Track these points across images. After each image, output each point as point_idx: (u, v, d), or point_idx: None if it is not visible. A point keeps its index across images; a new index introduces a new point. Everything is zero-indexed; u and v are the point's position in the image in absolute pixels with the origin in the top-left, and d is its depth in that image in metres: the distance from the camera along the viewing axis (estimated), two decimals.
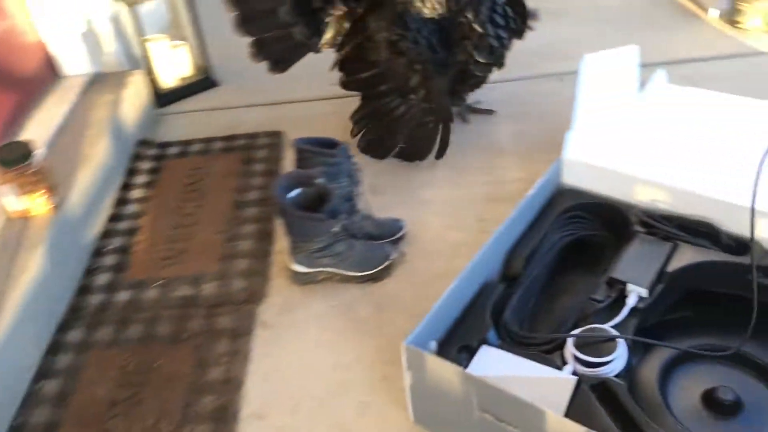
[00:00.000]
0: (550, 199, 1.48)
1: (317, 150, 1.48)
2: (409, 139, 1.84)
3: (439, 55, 1.74)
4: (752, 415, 1.11)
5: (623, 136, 1.56)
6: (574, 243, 1.42)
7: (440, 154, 1.85)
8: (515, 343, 1.20)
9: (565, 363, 1.13)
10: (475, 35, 1.71)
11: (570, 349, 1.14)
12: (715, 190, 1.34)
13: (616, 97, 1.65)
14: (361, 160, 1.56)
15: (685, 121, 1.65)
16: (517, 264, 1.34)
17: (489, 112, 2.05)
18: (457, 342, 1.19)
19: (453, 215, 1.69)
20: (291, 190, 1.41)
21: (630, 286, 1.23)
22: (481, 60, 1.75)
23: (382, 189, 1.79)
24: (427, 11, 1.68)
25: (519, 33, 1.79)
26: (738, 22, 2.25)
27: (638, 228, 1.36)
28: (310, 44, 1.84)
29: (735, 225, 1.31)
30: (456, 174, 1.83)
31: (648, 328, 1.23)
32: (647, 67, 1.71)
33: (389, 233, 1.58)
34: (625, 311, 1.20)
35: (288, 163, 1.91)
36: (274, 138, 2.04)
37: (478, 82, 1.88)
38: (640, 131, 1.60)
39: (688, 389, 1.15)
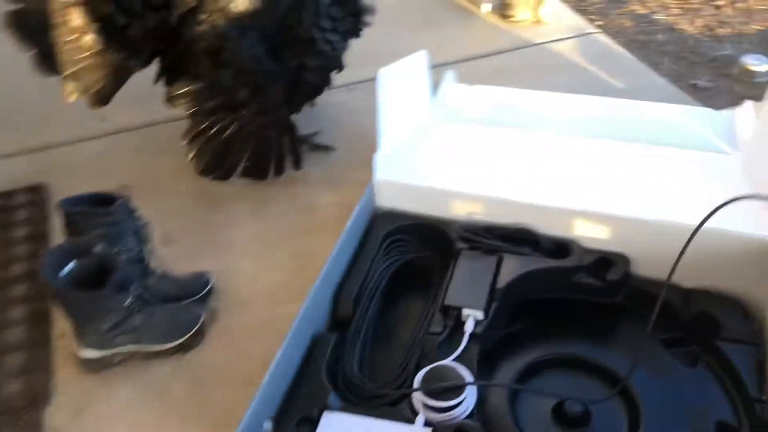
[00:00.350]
0: (369, 226, 1.38)
1: (90, 210, 1.23)
2: (253, 156, 1.68)
3: (267, 65, 1.58)
4: (602, 419, 1.09)
5: (431, 149, 1.50)
6: (401, 268, 1.33)
7: (297, 166, 1.72)
8: (360, 400, 1.08)
9: (415, 413, 1.03)
10: (303, 41, 1.57)
11: (418, 396, 1.04)
12: (528, 194, 1.33)
13: (415, 109, 1.59)
14: (145, 207, 1.33)
15: (487, 124, 1.64)
16: (347, 306, 1.22)
17: (327, 148, 1.86)
18: (296, 413, 1.04)
19: (264, 255, 1.52)
20: (64, 265, 1.16)
21: (465, 311, 1.16)
22: (313, 66, 1.61)
23: (177, 237, 1.57)
24: (242, 6, 1.50)
25: (353, 32, 1.67)
26: (510, 16, 2.32)
27: (461, 244, 1.30)
28: (130, 66, 1.60)
29: (552, 227, 1.30)
30: (259, 206, 1.66)
31: (489, 350, 1.18)
32: (433, 68, 1.67)
33: (194, 290, 1.37)
34: (465, 340, 1.13)
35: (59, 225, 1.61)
36: (37, 194, 1.71)
37: (316, 89, 1.74)
38: (446, 141, 1.55)
39: (538, 408, 1.11)
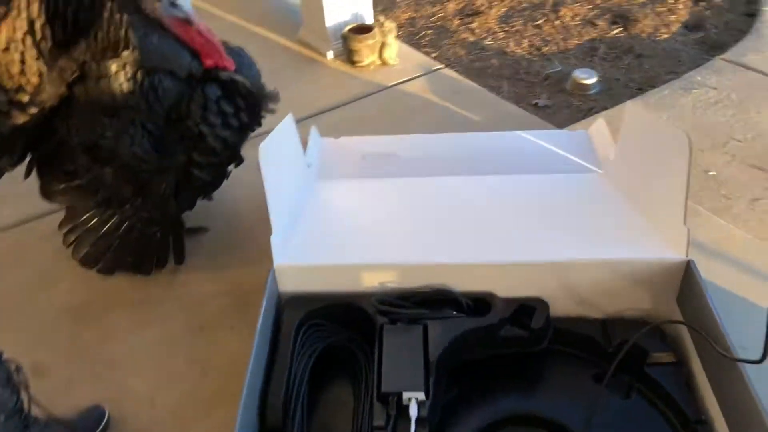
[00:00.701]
0: (277, 317, 1.27)
1: None
2: (135, 252, 1.54)
3: (152, 161, 1.42)
4: None
5: (323, 219, 1.42)
6: (322, 356, 1.23)
7: (179, 261, 1.58)
8: None
9: None
10: (191, 136, 1.42)
11: None
12: (437, 253, 1.29)
13: (296, 177, 1.50)
14: (2, 336, 1.12)
15: (367, 177, 1.60)
16: (276, 415, 1.10)
17: (202, 230, 1.70)
18: None
19: (157, 367, 1.35)
20: None
21: (406, 395, 1.09)
22: (203, 162, 1.46)
23: (49, 366, 1.36)
24: (119, 100, 1.34)
25: (252, 125, 1.51)
26: (357, 61, 2.30)
27: (380, 319, 1.23)
28: (0, 165, 1.43)
29: (467, 282, 1.27)
30: (138, 310, 1.49)
31: (435, 426, 1.12)
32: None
33: (89, 428, 1.19)
34: (413, 428, 1.06)
35: None
36: None
37: (211, 184, 1.58)
38: (335, 206, 1.48)
39: None
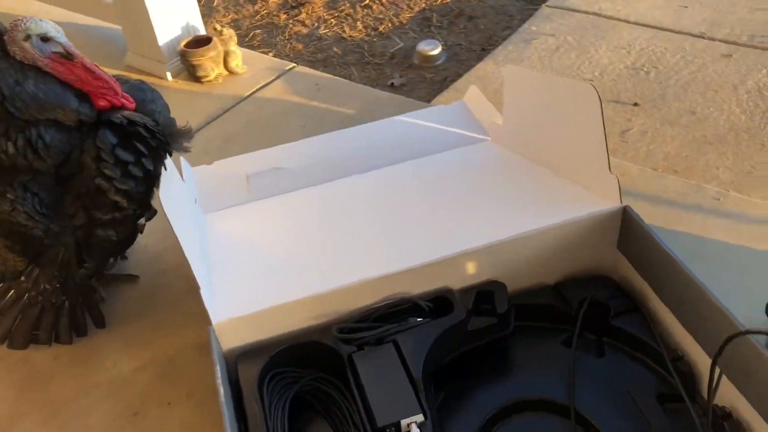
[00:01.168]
0: (231, 379, 1.12)
1: None
2: (45, 324, 1.34)
3: (42, 225, 1.21)
4: None
5: (243, 258, 1.28)
6: (294, 405, 1.11)
7: (100, 325, 1.40)
8: None
9: None
10: (88, 193, 1.21)
11: None
12: (378, 262, 1.21)
13: (195, 218, 1.35)
14: None
15: (266, 198, 1.47)
16: None
17: (131, 278, 1.51)
18: None
19: None
20: None
21: (404, 422, 1.01)
22: (106, 220, 1.24)
23: None
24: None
25: (157, 172, 1.27)
26: (202, 76, 2.11)
27: (345, 348, 1.13)
28: None
29: (421, 284, 1.20)
30: (57, 411, 1.26)
31: None
32: None
33: None
34: None
35: None
36: None
37: (122, 242, 1.36)
38: (250, 241, 1.35)
39: None
